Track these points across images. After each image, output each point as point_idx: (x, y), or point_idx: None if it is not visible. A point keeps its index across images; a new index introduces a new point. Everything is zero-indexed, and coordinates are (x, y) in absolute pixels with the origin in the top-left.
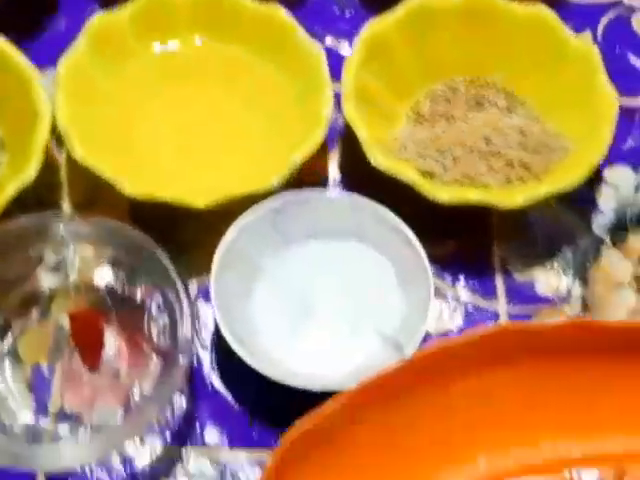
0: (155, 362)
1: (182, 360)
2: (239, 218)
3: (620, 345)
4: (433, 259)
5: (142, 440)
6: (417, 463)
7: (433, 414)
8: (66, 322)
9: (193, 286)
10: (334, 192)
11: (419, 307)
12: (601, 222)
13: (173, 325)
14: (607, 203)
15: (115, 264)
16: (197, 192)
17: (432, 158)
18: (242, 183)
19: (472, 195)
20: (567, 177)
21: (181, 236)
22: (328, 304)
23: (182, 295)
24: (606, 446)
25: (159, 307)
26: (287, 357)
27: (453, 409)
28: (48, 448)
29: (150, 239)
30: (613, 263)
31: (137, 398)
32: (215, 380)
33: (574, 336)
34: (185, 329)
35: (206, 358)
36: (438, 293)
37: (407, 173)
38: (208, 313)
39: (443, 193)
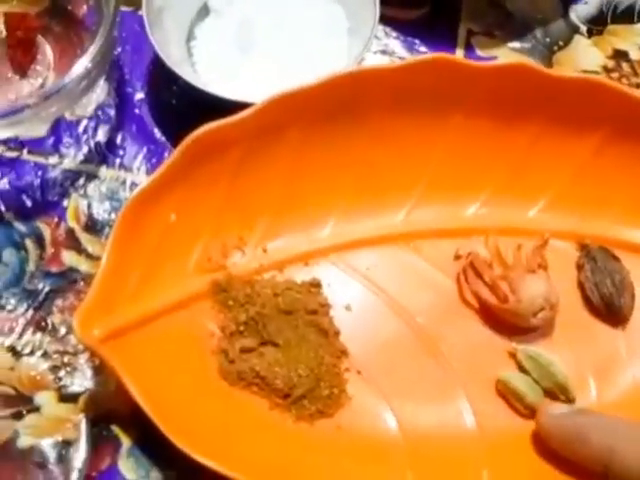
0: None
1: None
2: None
3: None
4: (394, 21)
5: (60, 153)
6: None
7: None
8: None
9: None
10: None
11: (357, 57)
12: (581, 11)
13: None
14: None
15: None
16: None
17: None
18: None
19: None
20: None
21: None
22: (270, 44)
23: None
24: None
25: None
26: (218, 86)
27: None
28: None
29: None
30: (583, 51)
31: None
32: (144, 107)
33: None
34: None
35: (139, 85)
36: (391, 53)
37: None
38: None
39: None
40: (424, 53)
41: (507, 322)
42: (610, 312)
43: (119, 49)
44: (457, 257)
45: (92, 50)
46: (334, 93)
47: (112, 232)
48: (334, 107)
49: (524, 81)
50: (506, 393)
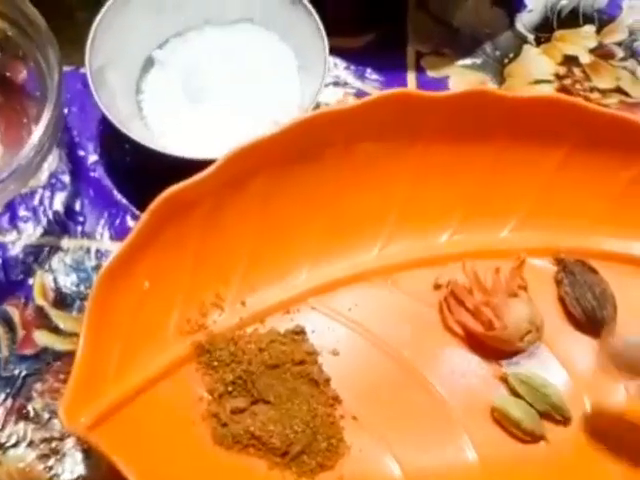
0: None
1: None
2: None
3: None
4: (342, 51)
5: (18, 229)
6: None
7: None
8: None
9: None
10: None
11: (311, 96)
12: (526, 20)
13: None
14: (535, 1)
15: None
16: None
17: None
18: None
19: None
20: None
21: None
22: (220, 90)
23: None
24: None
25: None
26: (171, 140)
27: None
28: None
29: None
30: (533, 60)
31: None
32: (99, 169)
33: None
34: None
35: (91, 146)
36: (344, 84)
37: None
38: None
39: None
40: (376, 80)
41: (494, 347)
42: (594, 325)
43: (65, 111)
44: (437, 287)
45: (43, 122)
46: (294, 139)
47: (86, 310)
48: (295, 153)
49: (481, 105)
50: (502, 420)
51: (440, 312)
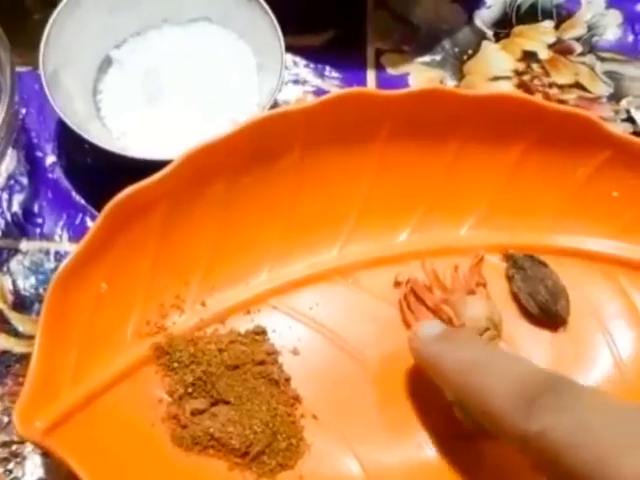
0: None
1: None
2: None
3: None
4: (302, 50)
5: None
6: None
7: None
8: None
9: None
10: None
11: (270, 94)
12: (485, 16)
13: None
14: None
15: None
16: None
17: None
18: None
19: None
20: None
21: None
22: (179, 90)
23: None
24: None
25: None
26: (131, 140)
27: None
28: None
29: None
30: (492, 57)
31: None
32: (57, 171)
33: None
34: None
35: (49, 148)
36: (303, 82)
37: None
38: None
39: None
40: (335, 78)
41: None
42: (549, 318)
43: (22, 112)
44: (397, 284)
45: None
46: (250, 138)
47: (41, 313)
48: (253, 152)
49: (437, 104)
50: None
51: (400, 310)
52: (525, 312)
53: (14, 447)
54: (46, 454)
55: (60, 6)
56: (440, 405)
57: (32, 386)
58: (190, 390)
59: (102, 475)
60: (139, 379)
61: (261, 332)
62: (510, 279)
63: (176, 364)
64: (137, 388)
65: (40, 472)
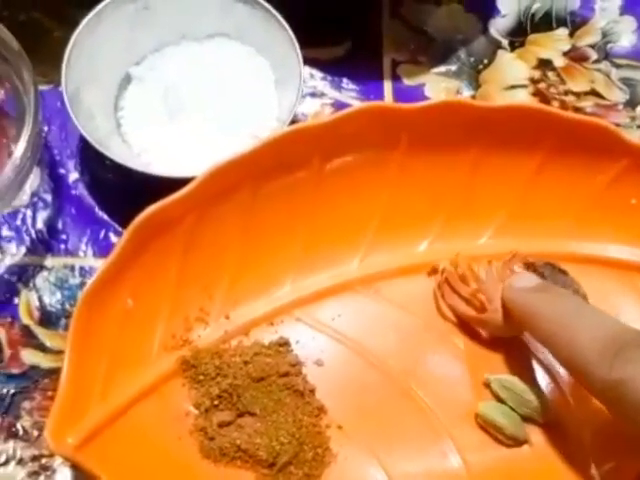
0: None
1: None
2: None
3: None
4: (318, 62)
5: (1, 249)
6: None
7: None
8: None
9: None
10: None
11: (289, 108)
12: (500, 25)
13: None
14: (508, 5)
15: None
16: None
17: None
18: None
19: None
20: None
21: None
22: (198, 105)
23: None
24: None
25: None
26: (152, 156)
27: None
28: None
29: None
30: (508, 65)
31: None
32: (80, 187)
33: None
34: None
35: (71, 164)
36: (321, 95)
37: None
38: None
39: None
40: (352, 90)
41: (483, 338)
42: None
43: (45, 130)
44: (433, 272)
45: (22, 141)
46: (271, 154)
47: (69, 331)
48: (274, 167)
49: (454, 116)
50: (486, 426)
51: (434, 298)
52: None
53: (44, 460)
54: (75, 467)
55: (81, 25)
56: (465, 413)
57: (63, 402)
58: (216, 402)
59: None
60: (166, 393)
61: (285, 343)
62: None
63: (202, 377)
64: (164, 402)
65: None
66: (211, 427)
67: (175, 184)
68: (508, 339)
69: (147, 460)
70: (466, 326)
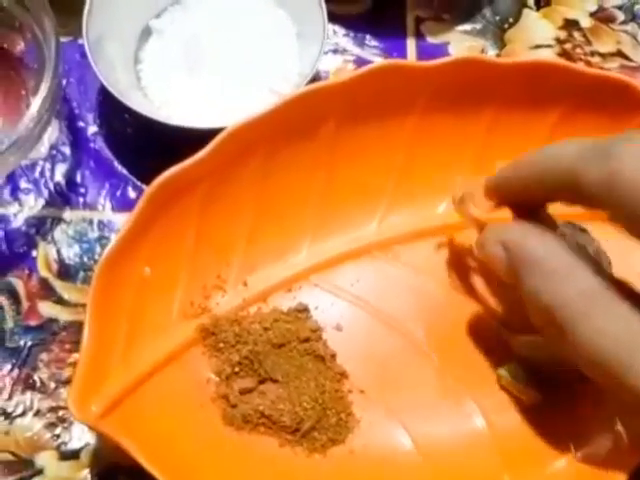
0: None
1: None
2: None
3: None
4: (341, 18)
5: (19, 201)
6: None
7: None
8: None
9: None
10: None
11: (311, 63)
12: None
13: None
14: None
15: None
16: None
17: None
18: None
19: None
20: None
21: None
22: (219, 58)
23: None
24: None
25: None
26: (171, 109)
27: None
28: None
29: None
30: (533, 25)
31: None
32: (99, 141)
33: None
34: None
35: (90, 118)
36: (343, 51)
37: None
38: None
39: None
40: (375, 47)
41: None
42: None
43: (64, 82)
44: (440, 246)
45: (41, 93)
46: (289, 114)
47: (88, 303)
48: (290, 128)
49: (472, 73)
50: (509, 387)
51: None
52: None
53: (61, 413)
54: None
55: None
56: (487, 375)
57: (84, 372)
58: (237, 370)
59: (157, 457)
60: (186, 360)
61: (304, 310)
62: None
63: (222, 344)
64: (185, 370)
65: (87, 437)
66: (233, 394)
67: (195, 137)
68: None
69: (169, 428)
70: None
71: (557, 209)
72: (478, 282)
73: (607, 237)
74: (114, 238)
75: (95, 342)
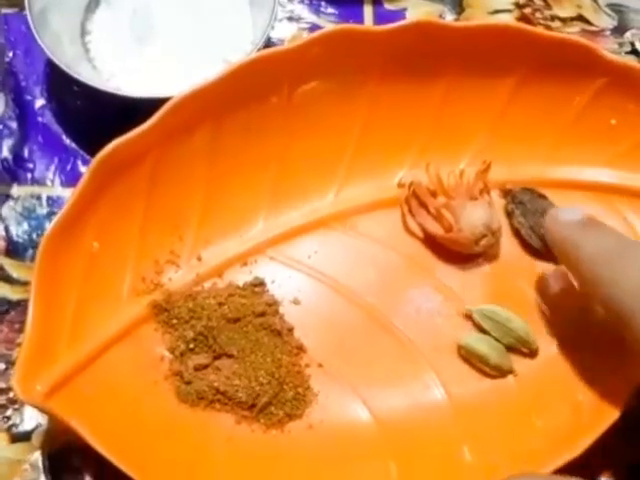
0: None
1: None
2: None
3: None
4: None
5: None
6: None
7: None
8: None
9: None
10: None
11: (262, 30)
12: None
13: None
14: None
15: None
16: None
17: None
18: None
19: None
20: None
21: None
22: (169, 28)
23: None
24: None
25: None
26: (121, 81)
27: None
28: None
29: None
30: None
31: None
32: (47, 114)
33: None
34: None
35: (37, 91)
36: (298, 19)
37: None
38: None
39: None
40: (331, 14)
41: (453, 251)
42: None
43: (9, 55)
44: (400, 185)
45: None
46: (238, 83)
47: (32, 279)
48: (240, 97)
49: (428, 37)
50: (470, 357)
51: (401, 213)
52: (528, 247)
53: (11, 394)
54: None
55: None
56: (447, 346)
57: (29, 350)
58: (192, 346)
59: (107, 436)
60: (138, 338)
61: (260, 284)
62: (510, 214)
63: (175, 320)
64: (137, 347)
65: (39, 418)
66: (187, 371)
67: (147, 109)
68: (490, 263)
69: (122, 407)
70: (435, 245)
71: (516, 174)
72: (436, 249)
73: (566, 203)
74: (59, 212)
75: (40, 320)
